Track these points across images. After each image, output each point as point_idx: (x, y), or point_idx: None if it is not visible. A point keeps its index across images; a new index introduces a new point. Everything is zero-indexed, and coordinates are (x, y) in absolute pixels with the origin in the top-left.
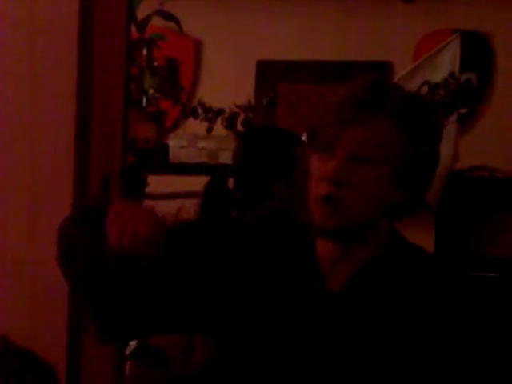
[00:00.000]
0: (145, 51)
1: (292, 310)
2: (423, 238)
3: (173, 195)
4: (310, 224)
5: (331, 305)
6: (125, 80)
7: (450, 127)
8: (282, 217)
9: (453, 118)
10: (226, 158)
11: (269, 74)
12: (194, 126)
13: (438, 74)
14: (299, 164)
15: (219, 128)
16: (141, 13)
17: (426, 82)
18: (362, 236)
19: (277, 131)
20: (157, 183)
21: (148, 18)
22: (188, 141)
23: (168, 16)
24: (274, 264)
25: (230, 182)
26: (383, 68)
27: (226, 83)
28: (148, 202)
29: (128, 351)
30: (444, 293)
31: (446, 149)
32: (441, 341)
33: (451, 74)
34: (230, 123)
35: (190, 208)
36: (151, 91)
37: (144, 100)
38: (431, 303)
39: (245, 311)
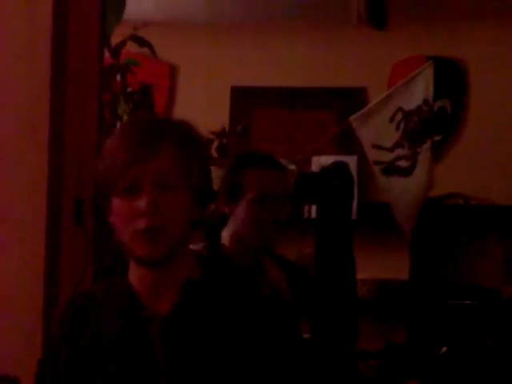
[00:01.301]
0: (119, 77)
1: (133, 350)
2: (398, 265)
3: None
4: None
5: (165, 328)
6: (98, 106)
7: (424, 154)
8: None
9: (427, 145)
10: None
11: (243, 100)
12: None
13: (412, 101)
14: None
15: None
16: (115, 38)
17: (400, 109)
18: (172, 259)
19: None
20: None
21: (122, 44)
22: None
23: (142, 41)
24: (110, 322)
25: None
26: (357, 94)
27: (201, 109)
28: None
29: None
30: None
31: (420, 176)
32: (253, 339)
33: (425, 101)
34: None
35: None
36: (125, 117)
37: (118, 126)
38: (242, 309)
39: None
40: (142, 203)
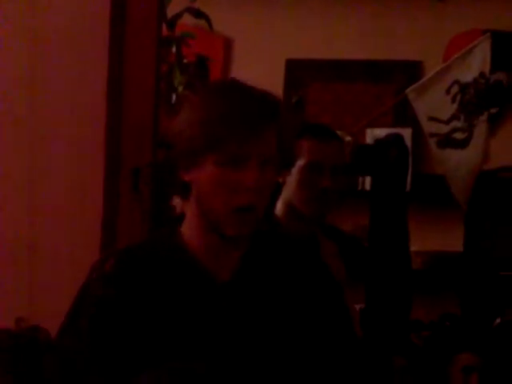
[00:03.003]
0: (174, 49)
1: (196, 313)
2: (452, 237)
3: None
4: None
5: (225, 293)
6: (155, 77)
7: (480, 127)
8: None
9: (483, 117)
10: None
11: (298, 72)
12: None
13: (469, 74)
14: None
15: None
16: (171, 10)
17: (456, 82)
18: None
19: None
20: None
21: (178, 16)
22: None
23: (198, 14)
24: (162, 282)
25: None
26: (413, 68)
27: (256, 81)
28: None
29: None
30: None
31: (475, 148)
32: (313, 298)
33: (481, 74)
34: None
35: None
36: (181, 88)
37: (173, 97)
38: (301, 272)
39: (167, 337)
40: (249, 178)
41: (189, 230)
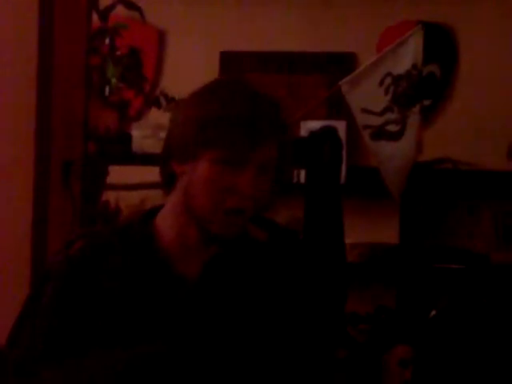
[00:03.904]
0: (107, 40)
1: (158, 309)
2: (388, 229)
3: (136, 186)
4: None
5: (196, 289)
6: (85, 68)
7: (414, 118)
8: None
9: (416, 109)
10: None
11: (233, 65)
12: (158, 116)
13: (401, 66)
14: None
15: None
16: (103, 2)
17: (389, 74)
18: None
19: None
20: (120, 173)
21: (111, 7)
22: (151, 130)
23: (131, 5)
24: (129, 272)
25: None
26: (347, 59)
27: (190, 73)
28: (110, 193)
29: None
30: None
31: (409, 140)
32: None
33: (414, 66)
34: None
35: (154, 199)
36: (114, 80)
37: (107, 89)
38: (269, 270)
39: (124, 329)
40: (243, 182)
41: (165, 221)
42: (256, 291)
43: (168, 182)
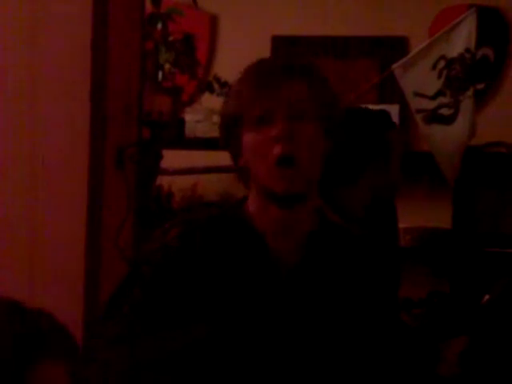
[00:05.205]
0: (160, 26)
1: (257, 294)
2: (441, 213)
3: (188, 170)
4: (241, 201)
5: (291, 276)
6: (140, 54)
7: (467, 102)
8: None
9: (469, 93)
10: None
11: (284, 49)
12: (210, 100)
13: (454, 49)
14: (392, 148)
15: None
16: None
17: (442, 57)
18: (305, 200)
19: (370, 113)
20: (172, 158)
21: None
22: (204, 115)
23: None
24: (227, 257)
25: None
26: (399, 43)
27: (242, 58)
28: (163, 177)
29: None
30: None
31: (462, 124)
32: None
33: (467, 49)
34: None
35: (205, 183)
36: (167, 66)
37: (160, 75)
38: (366, 264)
39: (223, 311)
40: (275, 130)
41: (252, 206)
42: (348, 283)
43: (243, 177)
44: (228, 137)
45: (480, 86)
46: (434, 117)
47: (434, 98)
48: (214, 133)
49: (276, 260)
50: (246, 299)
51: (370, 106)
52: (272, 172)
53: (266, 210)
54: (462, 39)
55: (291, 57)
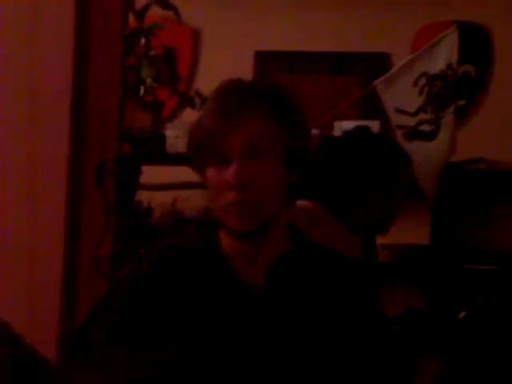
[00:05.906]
0: (143, 40)
1: (225, 319)
2: (419, 230)
3: (168, 186)
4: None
5: (259, 301)
6: (121, 68)
7: (447, 119)
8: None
9: (450, 110)
10: None
11: (267, 64)
12: (192, 115)
13: (436, 66)
14: (398, 180)
15: None
16: (139, 2)
17: (424, 74)
18: (268, 230)
19: (382, 141)
20: (153, 173)
21: (146, 7)
22: (184, 131)
23: (166, 5)
24: (196, 283)
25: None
26: (381, 59)
27: (224, 73)
28: (143, 192)
29: None
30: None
31: (443, 141)
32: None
33: (449, 66)
34: None
35: (185, 198)
36: (148, 81)
37: (141, 90)
38: (337, 286)
39: (193, 334)
40: (230, 174)
41: (221, 233)
42: (319, 299)
43: None
44: (195, 164)
45: (461, 103)
46: (414, 133)
47: (415, 114)
48: None
49: (244, 286)
50: (215, 324)
51: (352, 122)
52: (227, 210)
53: (231, 240)
54: (444, 56)
55: (255, 80)
